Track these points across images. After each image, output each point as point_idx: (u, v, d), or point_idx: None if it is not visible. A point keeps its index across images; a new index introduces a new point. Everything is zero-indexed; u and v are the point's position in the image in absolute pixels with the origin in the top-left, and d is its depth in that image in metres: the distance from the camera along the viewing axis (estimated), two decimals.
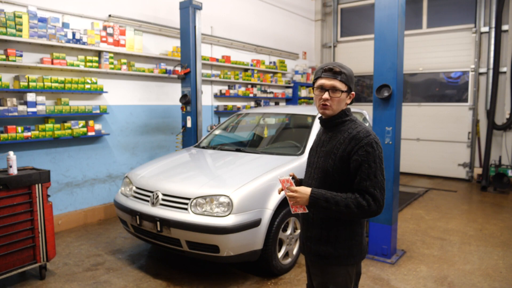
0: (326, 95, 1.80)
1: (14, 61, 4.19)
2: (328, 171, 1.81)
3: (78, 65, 4.77)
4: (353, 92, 1.87)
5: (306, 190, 1.76)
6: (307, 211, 1.80)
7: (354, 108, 6.03)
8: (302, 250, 2.02)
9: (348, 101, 1.87)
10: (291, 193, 1.77)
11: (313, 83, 1.88)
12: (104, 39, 5.08)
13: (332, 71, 1.80)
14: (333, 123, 1.87)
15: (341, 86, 1.80)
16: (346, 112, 1.87)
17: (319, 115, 1.95)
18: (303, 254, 2.01)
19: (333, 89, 1.79)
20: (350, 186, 1.78)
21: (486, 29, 7.70)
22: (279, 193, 1.91)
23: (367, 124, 6.00)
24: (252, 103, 8.05)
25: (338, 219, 1.82)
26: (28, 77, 4.31)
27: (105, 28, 5.11)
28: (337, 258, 1.84)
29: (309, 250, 1.93)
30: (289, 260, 3.71)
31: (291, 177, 1.89)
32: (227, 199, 3.22)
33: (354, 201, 1.71)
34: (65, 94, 4.84)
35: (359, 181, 1.73)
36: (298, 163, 3.81)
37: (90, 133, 4.95)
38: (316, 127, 4.31)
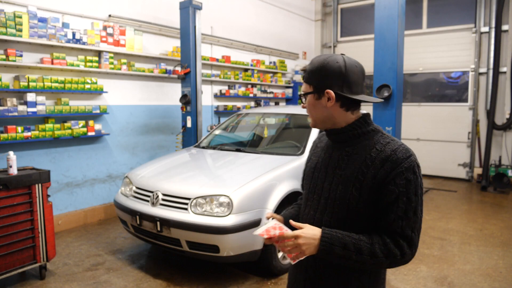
0: (304, 103, 1.40)
1: (14, 61, 4.19)
2: (351, 204, 1.28)
3: (78, 65, 4.77)
4: (327, 90, 1.29)
5: (313, 233, 1.22)
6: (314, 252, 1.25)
7: None
8: None
9: (330, 104, 1.30)
10: (290, 242, 1.21)
11: None
12: (104, 39, 5.08)
13: (303, 72, 1.38)
14: (348, 136, 1.34)
15: (306, 87, 1.35)
16: (367, 120, 1.35)
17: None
18: None
19: (304, 95, 1.37)
20: (375, 225, 1.28)
21: (486, 29, 7.70)
22: (266, 243, 1.31)
23: None
24: (252, 103, 8.06)
25: None
26: (28, 77, 4.30)
27: (105, 28, 5.11)
28: None
29: None
30: (289, 260, 3.70)
31: (273, 220, 1.32)
32: (227, 199, 3.22)
33: (383, 248, 1.21)
34: (65, 94, 4.84)
35: (393, 220, 1.22)
36: (298, 163, 3.81)
37: (90, 133, 4.95)
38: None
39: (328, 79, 1.29)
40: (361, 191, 1.26)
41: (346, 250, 1.21)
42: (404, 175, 1.23)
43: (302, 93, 1.36)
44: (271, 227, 1.26)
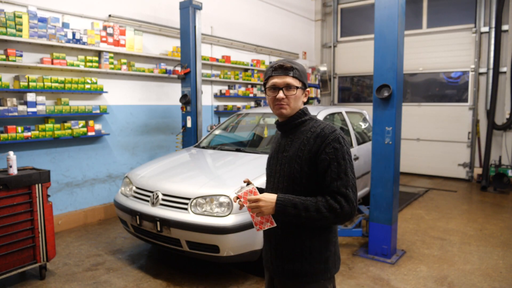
0: (280, 94, 1.65)
1: (14, 61, 4.19)
2: (296, 178, 1.62)
3: (78, 65, 4.77)
4: (308, 89, 1.74)
5: (271, 197, 1.56)
6: (275, 225, 1.58)
7: (354, 108, 6.03)
8: (271, 272, 1.76)
9: (305, 99, 1.74)
10: (253, 204, 1.55)
11: (264, 84, 1.75)
12: (104, 39, 5.08)
13: (283, 68, 1.67)
14: (292, 125, 1.71)
15: (295, 82, 1.67)
16: (305, 111, 1.72)
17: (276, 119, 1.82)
18: (273, 276, 1.75)
19: (287, 86, 1.66)
20: (320, 191, 1.60)
21: (486, 29, 7.70)
22: (240, 209, 1.67)
23: (367, 125, 6.01)
24: (252, 103, 8.05)
25: (310, 229, 1.64)
26: (28, 77, 4.31)
27: (105, 28, 5.11)
28: (315, 275, 1.65)
29: (281, 270, 1.69)
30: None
31: (251, 185, 1.62)
32: (227, 199, 3.22)
33: (325, 204, 1.53)
34: (65, 94, 4.84)
35: (329, 181, 1.55)
36: None
37: (90, 133, 4.95)
38: None
39: (307, 80, 1.75)
40: (302, 165, 1.61)
41: (296, 208, 1.53)
42: (332, 145, 1.58)
43: (294, 86, 1.67)
44: (249, 190, 1.58)
